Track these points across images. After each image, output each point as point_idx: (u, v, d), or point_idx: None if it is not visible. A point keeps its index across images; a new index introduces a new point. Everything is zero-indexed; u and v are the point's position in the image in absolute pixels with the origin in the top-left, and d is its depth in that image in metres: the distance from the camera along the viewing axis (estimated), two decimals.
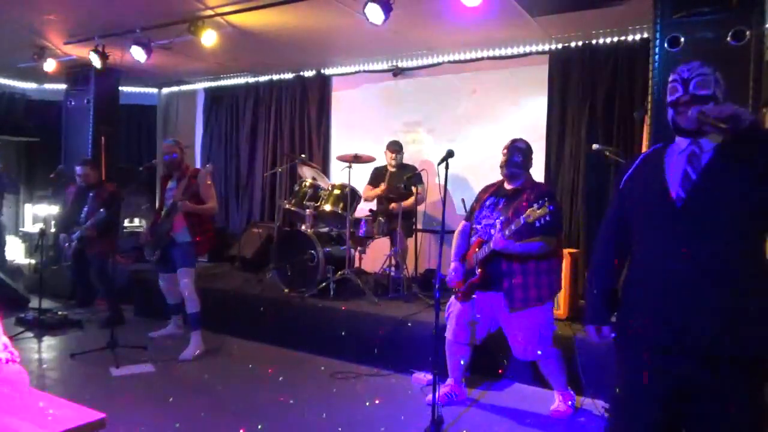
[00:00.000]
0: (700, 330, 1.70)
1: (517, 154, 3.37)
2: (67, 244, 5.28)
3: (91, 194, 5.25)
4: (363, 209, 5.54)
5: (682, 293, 1.73)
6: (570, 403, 3.43)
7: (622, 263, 2.05)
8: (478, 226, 3.40)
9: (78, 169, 5.34)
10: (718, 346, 1.69)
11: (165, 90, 8.33)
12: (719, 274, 1.71)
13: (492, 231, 3.25)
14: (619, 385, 1.91)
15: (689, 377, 1.73)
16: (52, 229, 6.85)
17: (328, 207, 5.05)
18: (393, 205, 5.23)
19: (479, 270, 3.29)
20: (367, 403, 3.57)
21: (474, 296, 3.40)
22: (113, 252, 5.26)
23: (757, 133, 1.72)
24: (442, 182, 3.18)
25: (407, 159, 5.74)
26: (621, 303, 1.96)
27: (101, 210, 4.95)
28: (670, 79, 1.89)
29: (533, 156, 3.49)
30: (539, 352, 3.27)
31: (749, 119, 1.69)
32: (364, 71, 6.57)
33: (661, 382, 1.77)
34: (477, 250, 3.31)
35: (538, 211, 2.83)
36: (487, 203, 3.42)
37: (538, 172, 5.28)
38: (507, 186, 3.43)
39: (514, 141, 3.44)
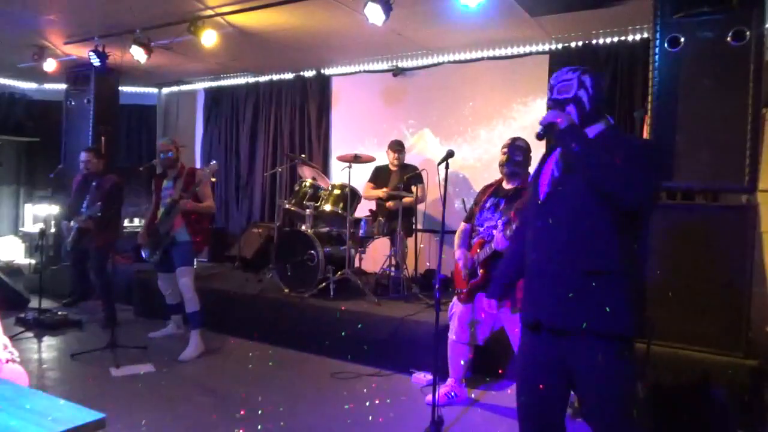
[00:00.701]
0: (558, 311, 1.90)
1: (518, 153, 3.38)
2: (68, 232, 5.28)
3: (93, 184, 5.24)
4: (363, 209, 5.54)
5: (544, 280, 1.95)
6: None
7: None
8: (480, 228, 3.40)
9: (82, 155, 5.34)
10: (575, 324, 1.87)
11: (165, 90, 8.33)
12: (571, 261, 1.89)
13: (494, 232, 3.24)
14: (519, 353, 2.15)
15: (564, 350, 1.92)
16: (52, 230, 6.84)
17: (328, 207, 5.05)
18: (390, 203, 5.22)
19: (481, 271, 3.29)
20: (367, 403, 3.57)
21: (476, 297, 3.39)
22: (113, 248, 5.24)
23: (569, 135, 1.88)
24: (443, 182, 3.18)
25: (407, 159, 5.74)
26: None
27: (98, 204, 4.94)
28: None
29: (532, 155, 3.47)
30: None
31: (563, 125, 1.90)
32: (364, 71, 6.57)
33: (546, 352, 1.97)
34: (479, 251, 3.31)
35: None
36: (488, 204, 3.42)
37: None
38: (506, 186, 3.43)
39: (514, 140, 3.44)
